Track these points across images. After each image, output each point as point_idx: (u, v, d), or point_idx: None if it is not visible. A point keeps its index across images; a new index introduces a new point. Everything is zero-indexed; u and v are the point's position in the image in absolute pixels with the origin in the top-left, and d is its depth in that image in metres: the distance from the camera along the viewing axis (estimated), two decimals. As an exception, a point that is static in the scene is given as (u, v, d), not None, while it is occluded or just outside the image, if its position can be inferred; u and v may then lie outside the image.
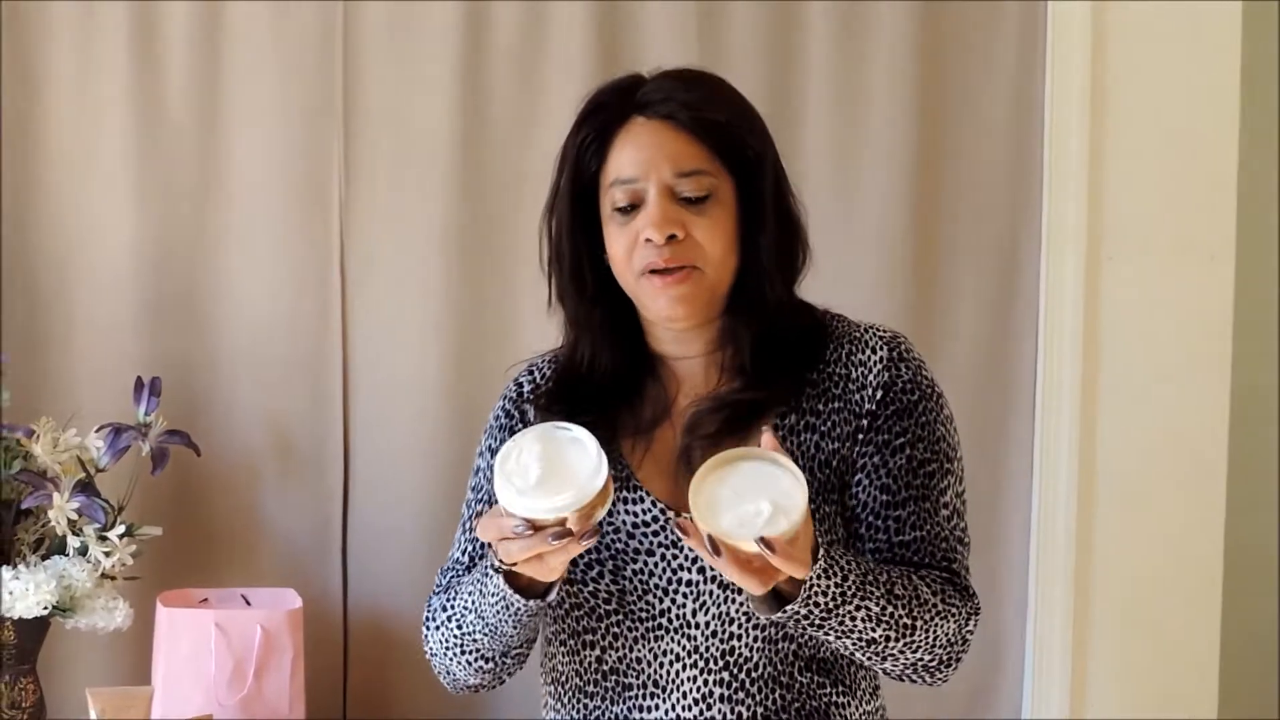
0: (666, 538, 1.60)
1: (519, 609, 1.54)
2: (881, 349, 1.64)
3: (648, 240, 1.57)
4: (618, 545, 1.61)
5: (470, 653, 1.65)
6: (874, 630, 1.51)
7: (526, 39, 2.50)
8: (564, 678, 1.66)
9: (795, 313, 1.66)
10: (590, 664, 1.63)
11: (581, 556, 1.57)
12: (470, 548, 1.73)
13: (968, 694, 2.64)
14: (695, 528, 1.41)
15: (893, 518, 1.61)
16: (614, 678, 1.61)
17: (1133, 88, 2.59)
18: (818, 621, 1.49)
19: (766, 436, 1.47)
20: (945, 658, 1.59)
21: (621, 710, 1.61)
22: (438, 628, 1.68)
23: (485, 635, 1.61)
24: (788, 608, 1.47)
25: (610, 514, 1.55)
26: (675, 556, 1.59)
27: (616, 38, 2.51)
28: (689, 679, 1.59)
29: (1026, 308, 2.61)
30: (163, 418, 2.33)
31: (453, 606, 1.65)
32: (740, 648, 1.58)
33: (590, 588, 1.61)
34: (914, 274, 2.58)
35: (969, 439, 2.58)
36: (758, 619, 1.57)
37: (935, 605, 1.56)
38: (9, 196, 2.45)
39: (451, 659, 1.67)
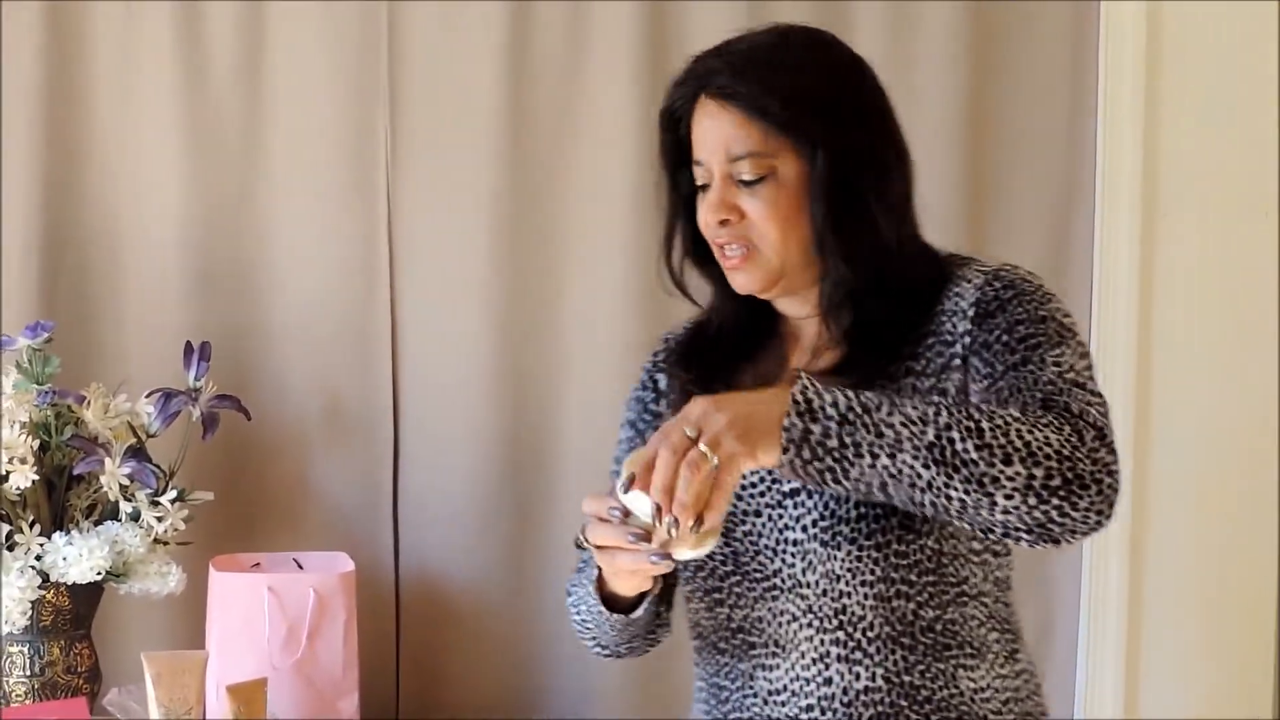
0: (772, 498, 1.58)
1: (608, 616, 1.59)
2: (977, 276, 1.56)
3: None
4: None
5: (590, 639, 1.71)
6: (924, 433, 1.35)
7: (573, 7, 2.48)
8: (705, 632, 1.66)
9: (907, 265, 1.58)
10: (722, 620, 1.63)
11: None
12: None
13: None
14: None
15: (993, 391, 1.48)
16: (740, 635, 1.61)
17: (1188, 43, 2.54)
18: (844, 454, 1.36)
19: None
20: (1065, 472, 1.35)
21: (747, 668, 1.61)
22: (572, 606, 1.72)
23: (595, 626, 1.66)
24: (783, 456, 1.36)
25: None
26: (780, 517, 1.57)
27: (663, 10, 2.48)
28: (806, 639, 1.56)
29: (1081, 270, 2.58)
30: (213, 383, 2.34)
31: (576, 593, 1.70)
32: (852, 605, 1.54)
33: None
34: (967, 239, 2.53)
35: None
36: (865, 575, 1.53)
37: (1009, 414, 1.38)
38: (58, 166, 2.45)
39: (586, 638, 1.73)
